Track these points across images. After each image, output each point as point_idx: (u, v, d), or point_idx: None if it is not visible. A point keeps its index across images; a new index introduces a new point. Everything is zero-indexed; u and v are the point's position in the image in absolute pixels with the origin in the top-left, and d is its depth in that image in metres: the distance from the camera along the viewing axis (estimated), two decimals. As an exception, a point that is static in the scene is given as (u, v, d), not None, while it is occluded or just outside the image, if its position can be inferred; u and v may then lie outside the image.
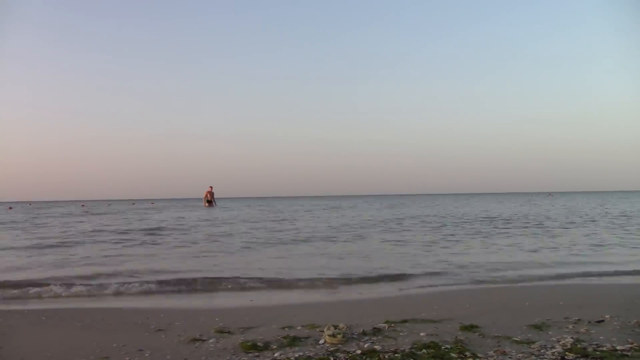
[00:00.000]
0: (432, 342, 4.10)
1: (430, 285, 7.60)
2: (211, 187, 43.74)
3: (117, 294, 7.26)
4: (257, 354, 3.97)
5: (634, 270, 8.61)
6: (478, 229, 18.35)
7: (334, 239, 15.26)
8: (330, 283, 7.88)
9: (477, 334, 4.47)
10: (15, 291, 7.24)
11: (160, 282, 7.82)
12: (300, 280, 8.05)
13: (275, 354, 3.93)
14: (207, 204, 43.64)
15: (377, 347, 4.05)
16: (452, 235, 16.02)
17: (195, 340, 4.43)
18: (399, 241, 14.30)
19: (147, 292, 7.36)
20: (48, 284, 7.51)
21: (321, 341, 4.26)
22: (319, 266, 9.61)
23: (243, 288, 7.60)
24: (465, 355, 3.77)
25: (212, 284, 7.78)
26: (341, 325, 4.68)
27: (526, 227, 18.81)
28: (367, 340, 4.29)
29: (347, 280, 8.06)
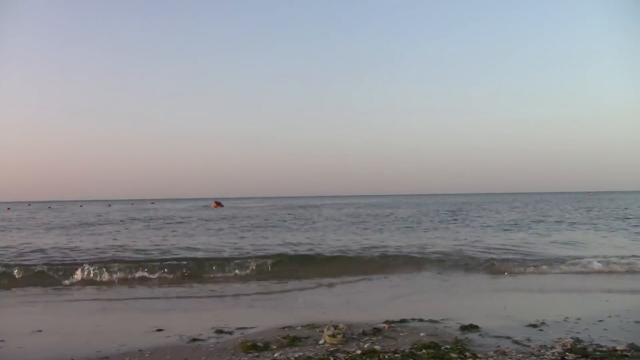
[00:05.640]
0: (432, 342, 4.10)
1: None
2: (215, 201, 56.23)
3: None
4: (257, 354, 3.97)
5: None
6: None
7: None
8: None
9: (477, 334, 4.47)
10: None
11: None
12: None
13: (275, 354, 3.92)
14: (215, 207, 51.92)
15: (377, 347, 4.04)
16: None
17: (195, 340, 4.42)
18: None
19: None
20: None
21: (321, 341, 4.25)
22: None
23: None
24: (465, 356, 3.77)
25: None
26: (341, 325, 4.67)
27: None
28: (367, 340, 4.29)
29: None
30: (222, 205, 53.39)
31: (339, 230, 17.84)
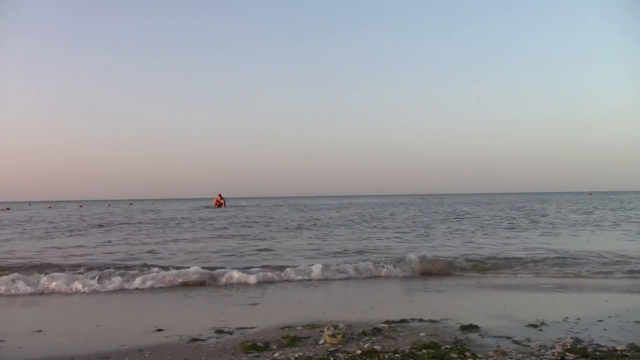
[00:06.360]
0: (432, 342, 4.10)
1: None
2: (219, 194, 47.56)
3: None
4: (257, 354, 3.97)
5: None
6: None
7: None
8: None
9: (477, 334, 4.47)
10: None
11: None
12: None
13: (275, 354, 3.93)
14: (216, 206, 46.93)
15: (377, 347, 4.05)
16: None
17: (195, 340, 4.43)
18: None
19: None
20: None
21: (321, 341, 4.26)
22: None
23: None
24: (465, 356, 3.77)
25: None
26: (341, 325, 4.68)
27: None
28: (367, 340, 4.29)
29: None
30: (225, 205, 46.84)
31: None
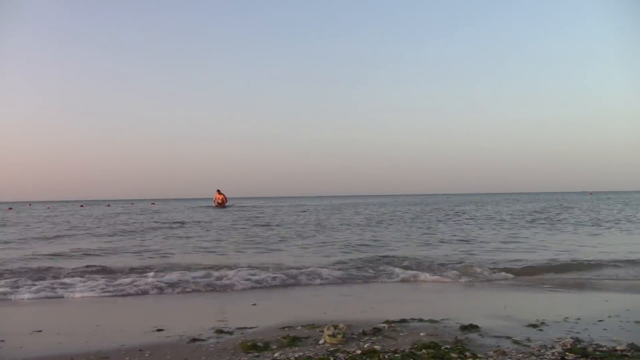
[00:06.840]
0: (432, 342, 4.10)
1: None
2: (218, 190, 45.11)
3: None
4: (257, 354, 3.97)
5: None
6: None
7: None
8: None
9: (477, 334, 4.47)
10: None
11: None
12: None
13: (275, 354, 3.93)
14: (217, 205, 44.88)
15: (377, 347, 4.05)
16: None
17: (195, 340, 4.42)
18: None
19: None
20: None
21: (321, 341, 4.26)
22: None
23: None
24: (465, 355, 3.77)
25: None
26: (341, 325, 4.67)
27: None
28: (367, 340, 4.29)
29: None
30: (225, 204, 44.47)
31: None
